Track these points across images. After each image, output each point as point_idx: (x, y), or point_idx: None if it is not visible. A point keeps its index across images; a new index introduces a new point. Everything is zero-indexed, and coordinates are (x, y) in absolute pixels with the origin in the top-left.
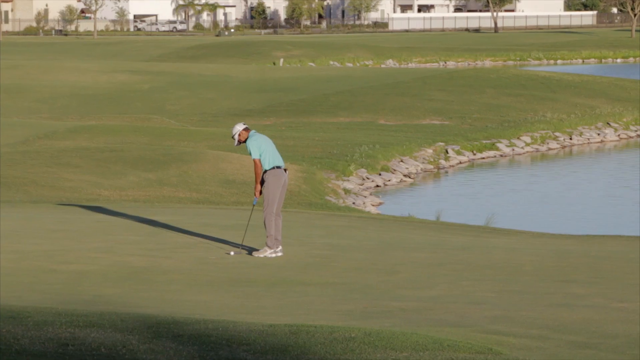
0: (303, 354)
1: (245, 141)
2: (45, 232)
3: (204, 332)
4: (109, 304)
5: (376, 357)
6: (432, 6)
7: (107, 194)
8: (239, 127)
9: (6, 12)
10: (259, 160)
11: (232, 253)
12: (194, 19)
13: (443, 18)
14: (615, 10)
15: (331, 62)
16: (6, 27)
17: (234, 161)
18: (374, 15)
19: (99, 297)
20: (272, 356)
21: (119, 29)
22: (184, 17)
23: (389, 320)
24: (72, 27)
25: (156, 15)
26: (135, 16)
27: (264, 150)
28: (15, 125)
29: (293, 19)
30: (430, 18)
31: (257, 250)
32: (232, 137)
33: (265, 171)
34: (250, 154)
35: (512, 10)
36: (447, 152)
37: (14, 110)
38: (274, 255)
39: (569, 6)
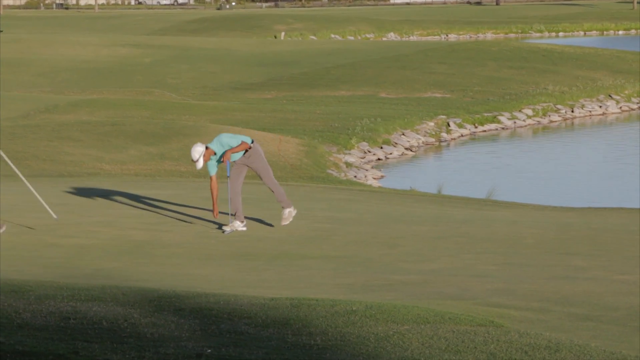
0: (304, 327)
1: (210, 159)
2: (46, 206)
3: (206, 306)
4: (110, 278)
5: (377, 330)
6: None
7: (108, 168)
8: (200, 149)
9: None
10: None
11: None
12: None
13: None
14: None
15: (332, 36)
16: (7, 1)
17: None
18: None
19: (100, 271)
20: (274, 329)
21: (120, 3)
22: None
23: (391, 294)
24: (73, 1)
25: None
26: None
27: (228, 140)
28: (16, 99)
29: None
30: None
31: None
32: (194, 161)
33: (249, 148)
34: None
35: None
36: (448, 125)
37: (15, 84)
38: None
39: None
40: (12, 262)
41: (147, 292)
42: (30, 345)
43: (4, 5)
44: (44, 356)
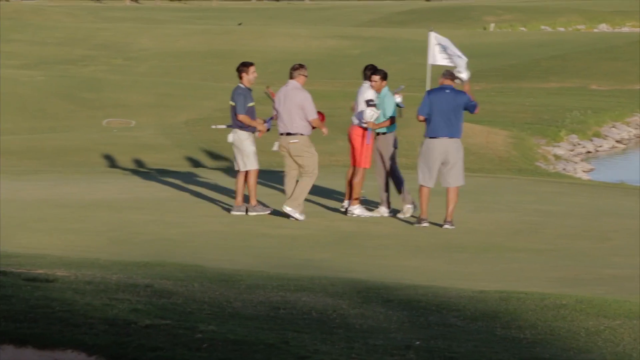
0: (513, 321)
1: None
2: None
3: (414, 298)
4: (319, 269)
5: (588, 324)
6: None
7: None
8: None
9: None
10: None
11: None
12: None
13: None
14: None
15: (542, 27)
16: None
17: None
18: None
19: (309, 262)
20: (483, 322)
21: None
22: None
23: (601, 288)
24: None
25: None
26: None
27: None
28: (226, 90)
29: None
30: None
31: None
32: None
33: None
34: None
35: None
36: None
37: (225, 75)
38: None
39: None
40: (224, 251)
41: (356, 283)
42: (241, 334)
43: None
44: (255, 345)
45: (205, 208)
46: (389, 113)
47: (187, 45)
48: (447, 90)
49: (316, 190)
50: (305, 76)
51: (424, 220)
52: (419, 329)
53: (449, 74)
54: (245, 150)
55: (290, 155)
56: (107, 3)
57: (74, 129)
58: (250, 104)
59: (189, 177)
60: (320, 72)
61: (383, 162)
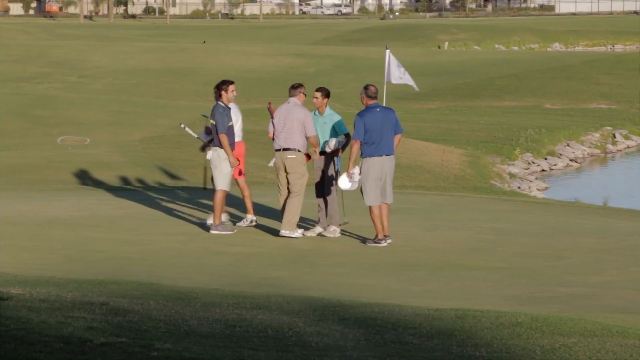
0: (469, 339)
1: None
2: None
3: (370, 316)
4: (274, 287)
5: (543, 342)
6: None
7: (272, 177)
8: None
9: None
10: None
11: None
12: (358, 2)
13: (611, 0)
14: None
15: (496, 46)
16: (174, 11)
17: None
18: None
19: (264, 280)
20: (438, 340)
21: (284, 13)
22: (348, 0)
23: (556, 306)
24: (238, 11)
25: None
26: (300, 0)
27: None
28: (182, 108)
29: (458, 2)
30: (598, 0)
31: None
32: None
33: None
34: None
35: None
36: (614, 136)
37: (181, 93)
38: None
39: None
40: (180, 269)
41: (312, 301)
42: (196, 352)
43: (171, 15)
44: None
45: (161, 226)
46: (342, 131)
47: (142, 63)
48: (378, 109)
49: (271, 209)
50: (305, 94)
51: (384, 239)
52: (375, 347)
53: (375, 92)
54: (223, 171)
55: (285, 170)
56: (61, 20)
57: (29, 147)
58: (230, 123)
59: (144, 195)
60: (276, 89)
61: (324, 181)
